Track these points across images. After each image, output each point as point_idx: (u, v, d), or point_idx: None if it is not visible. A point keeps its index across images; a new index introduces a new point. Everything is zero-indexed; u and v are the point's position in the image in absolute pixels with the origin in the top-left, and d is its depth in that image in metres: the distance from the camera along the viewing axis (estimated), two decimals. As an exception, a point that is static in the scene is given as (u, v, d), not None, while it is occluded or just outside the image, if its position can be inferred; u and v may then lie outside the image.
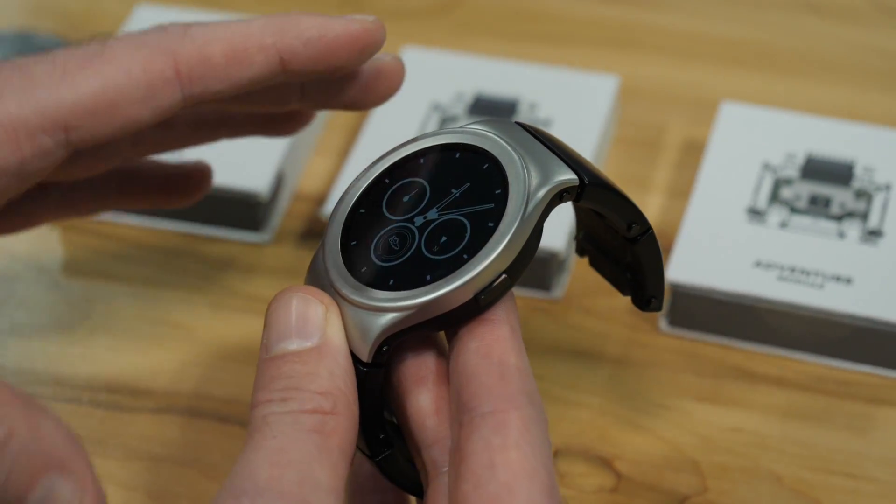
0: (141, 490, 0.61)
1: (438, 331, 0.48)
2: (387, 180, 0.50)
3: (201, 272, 0.70)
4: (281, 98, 0.56)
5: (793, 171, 0.69)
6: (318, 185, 0.74)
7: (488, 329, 0.47)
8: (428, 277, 0.47)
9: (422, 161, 0.50)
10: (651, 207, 0.72)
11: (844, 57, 0.80)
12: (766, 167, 0.69)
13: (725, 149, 0.70)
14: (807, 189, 0.68)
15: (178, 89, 0.52)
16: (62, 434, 0.43)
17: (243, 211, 0.71)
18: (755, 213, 0.67)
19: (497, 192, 0.48)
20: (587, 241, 0.56)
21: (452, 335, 0.47)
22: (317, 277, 0.49)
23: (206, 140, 0.60)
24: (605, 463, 0.61)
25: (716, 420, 0.63)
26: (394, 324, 0.47)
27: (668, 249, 0.66)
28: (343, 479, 0.45)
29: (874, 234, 0.66)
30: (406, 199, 0.49)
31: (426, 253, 0.48)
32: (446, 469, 0.46)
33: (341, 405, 0.46)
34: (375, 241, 0.49)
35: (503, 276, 0.47)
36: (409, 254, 0.48)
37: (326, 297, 0.48)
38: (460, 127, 0.51)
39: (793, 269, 0.65)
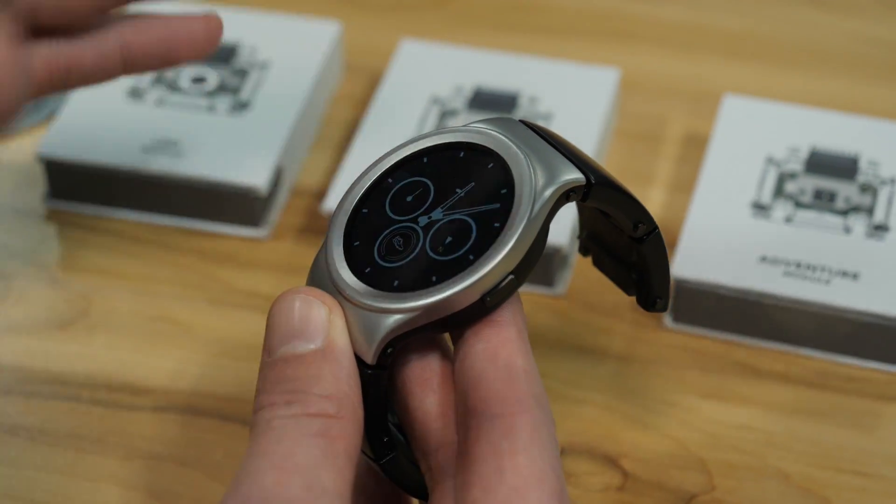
0: (141, 489, 0.61)
1: (444, 332, 0.48)
2: (389, 180, 0.50)
3: (200, 268, 0.70)
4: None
5: (797, 165, 0.69)
6: (317, 180, 0.73)
7: (495, 331, 0.46)
8: (433, 278, 0.46)
9: (425, 160, 0.50)
10: (653, 202, 0.71)
11: (847, 49, 0.80)
12: (770, 161, 0.69)
13: (728, 143, 0.70)
14: (811, 183, 0.68)
15: None
16: None
17: (242, 206, 0.70)
18: (760, 208, 0.67)
19: (503, 191, 0.47)
20: (591, 240, 0.55)
21: (458, 337, 0.47)
22: (319, 278, 0.48)
23: None
24: (611, 461, 0.61)
25: (722, 417, 0.63)
26: (399, 325, 0.46)
27: (671, 245, 0.65)
28: (349, 484, 0.44)
29: (880, 229, 0.66)
30: (410, 199, 0.49)
31: (431, 253, 0.47)
32: (452, 472, 0.45)
33: (346, 409, 0.45)
34: (379, 241, 0.48)
35: (510, 277, 0.46)
36: (413, 254, 0.47)
37: (329, 299, 0.47)
38: (464, 125, 0.50)
39: (798, 265, 0.64)
